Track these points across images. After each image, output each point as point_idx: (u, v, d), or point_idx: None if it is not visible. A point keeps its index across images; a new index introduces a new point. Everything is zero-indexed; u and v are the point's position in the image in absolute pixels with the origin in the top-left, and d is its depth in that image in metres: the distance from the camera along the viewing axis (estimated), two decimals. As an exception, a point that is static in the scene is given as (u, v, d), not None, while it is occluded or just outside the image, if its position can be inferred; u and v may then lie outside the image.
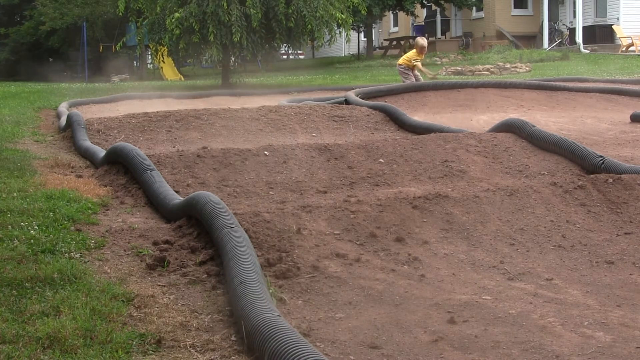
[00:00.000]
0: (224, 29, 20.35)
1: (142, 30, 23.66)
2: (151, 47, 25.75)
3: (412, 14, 38.19)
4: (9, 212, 5.60)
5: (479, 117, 12.69)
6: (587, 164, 7.29)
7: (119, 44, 25.32)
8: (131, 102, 17.30)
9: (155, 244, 5.12)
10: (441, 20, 41.19)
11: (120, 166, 7.42)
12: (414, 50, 16.15)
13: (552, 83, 16.21)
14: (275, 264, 4.74)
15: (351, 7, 22.59)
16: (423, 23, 41.89)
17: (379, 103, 12.56)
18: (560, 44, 33.20)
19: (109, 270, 4.59)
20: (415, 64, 15.90)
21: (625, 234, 5.64)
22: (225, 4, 19.86)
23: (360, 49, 42.48)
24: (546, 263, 5.10)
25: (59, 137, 10.80)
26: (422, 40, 16.53)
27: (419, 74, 16.13)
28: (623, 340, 3.82)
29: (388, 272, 4.87)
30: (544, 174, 7.30)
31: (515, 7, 36.58)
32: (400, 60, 16.54)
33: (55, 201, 6.04)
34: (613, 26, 31.42)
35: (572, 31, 32.80)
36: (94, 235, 5.27)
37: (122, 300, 4.05)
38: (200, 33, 20.50)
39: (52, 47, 39.98)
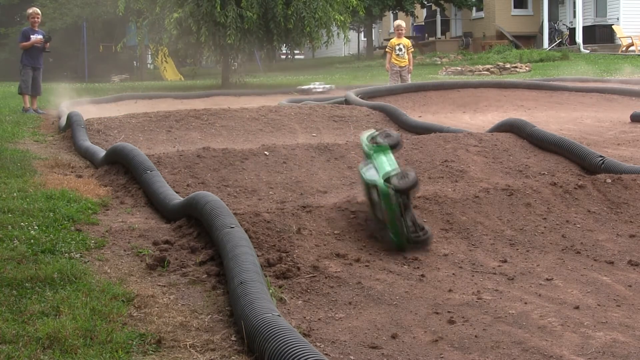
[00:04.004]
0: (221, 29, 20.38)
1: (142, 30, 23.67)
2: (151, 47, 25.77)
3: (412, 14, 38.21)
4: (9, 212, 5.60)
5: (479, 117, 12.69)
6: (587, 164, 7.29)
7: (119, 44, 25.35)
8: (131, 102, 17.30)
9: (155, 244, 5.12)
10: (441, 20, 41.19)
11: (120, 166, 7.42)
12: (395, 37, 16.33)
13: (552, 83, 16.23)
14: (275, 264, 4.74)
15: (350, 8, 22.62)
16: (423, 23, 41.89)
17: (379, 103, 12.56)
18: (560, 44, 33.20)
19: (109, 270, 4.59)
20: (395, 48, 15.90)
21: (626, 234, 5.64)
22: (218, 6, 19.87)
23: (360, 49, 42.51)
24: (546, 263, 5.10)
25: (59, 137, 10.80)
26: (396, 21, 16.77)
27: (409, 76, 16.13)
28: (623, 340, 3.82)
29: (388, 272, 4.88)
30: (544, 174, 7.30)
31: (515, 7, 36.58)
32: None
33: (55, 201, 6.04)
34: (613, 26, 31.42)
35: (572, 31, 32.80)
36: (94, 235, 5.27)
37: (122, 300, 4.05)
38: (197, 34, 20.54)
39: (52, 47, 39.90)
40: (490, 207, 5.97)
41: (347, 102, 13.15)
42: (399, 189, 5.00)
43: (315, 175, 7.23)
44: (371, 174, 5.26)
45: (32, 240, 4.93)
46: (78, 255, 4.77)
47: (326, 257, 4.99)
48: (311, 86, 19.45)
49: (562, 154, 7.73)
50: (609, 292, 4.58)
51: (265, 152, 7.64)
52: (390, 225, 5.09)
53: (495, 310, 4.25)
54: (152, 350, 3.52)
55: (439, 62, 31.02)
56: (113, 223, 5.68)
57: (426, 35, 41.01)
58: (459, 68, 26.80)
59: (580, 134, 10.00)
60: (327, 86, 19.62)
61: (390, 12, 40.19)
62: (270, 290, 4.14)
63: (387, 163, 5.28)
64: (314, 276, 4.67)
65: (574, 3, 32.71)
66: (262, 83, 24.26)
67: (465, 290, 4.58)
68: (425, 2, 38.58)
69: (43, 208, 5.78)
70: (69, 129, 10.54)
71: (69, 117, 10.73)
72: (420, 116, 12.50)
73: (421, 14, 41.87)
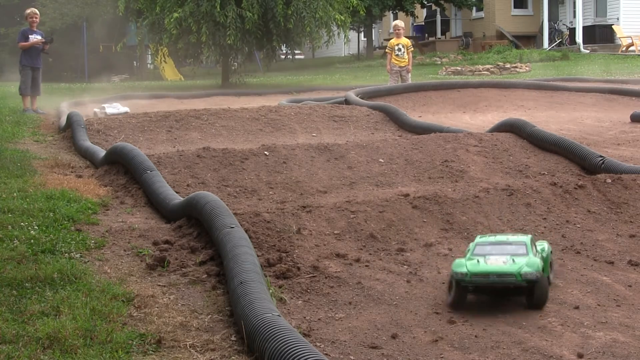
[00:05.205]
0: (221, 29, 20.37)
1: (142, 30, 23.67)
2: (151, 47, 25.78)
3: (412, 14, 38.21)
4: (9, 212, 5.60)
5: (479, 117, 12.69)
6: (587, 164, 7.29)
7: (119, 44, 25.35)
8: (131, 102, 17.28)
9: (155, 244, 5.12)
10: (441, 20, 41.17)
11: (120, 166, 7.42)
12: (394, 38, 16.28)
13: (552, 83, 16.21)
14: (275, 264, 4.74)
15: (350, 8, 22.60)
16: (423, 23, 41.89)
17: (379, 103, 12.55)
18: (560, 44, 33.18)
19: (109, 270, 4.59)
20: (394, 48, 15.86)
21: (626, 234, 5.64)
22: (218, 6, 19.86)
23: (360, 49, 42.48)
24: (546, 263, 5.10)
25: (59, 137, 10.79)
26: (394, 21, 16.66)
27: (409, 75, 16.10)
28: (623, 340, 3.82)
29: (388, 272, 4.88)
30: (544, 174, 7.30)
31: (515, 7, 36.55)
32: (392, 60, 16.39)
33: (55, 201, 6.04)
34: (613, 26, 31.40)
35: (572, 31, 32.77)
36: (94, 235, 5.27)
37: (122, 300, 4.05)
38: (197, 33, 20.53)
39: (51, 47, 39.86)
40: (490, 207, 5.97)
41: (347, 102, 13.14)
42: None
43: (315, 175, 7.23)
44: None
45: (32, 240, 4.93)
46: (78, 255, 4.77)
47: (326, 257, 4.99)
48: (107, 111, 14.86)
49: (562, 154, 7.73)
50: (609, 292, 4.58)
51: (265, 152, 7.64)
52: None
53: (495, 310, 4.25)
54: (152, 350, 3.52)
55: (439, 62, 30.99)
56: (113, 223, 5.68)
57: (426, 35, 40.98)
58: (459, 68, 26.78)
59: (581, 134, 9.99)
60: (123, 110, 15.54)
61: (390, 12, 40.15)
62: (270, 290, 4.14)
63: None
64: (314, 276, 4.68)
65: (574, 3, 32.69)
66: (262, 83, 24.25)
67: (465, 290, 4.57)
68: (425, 2, 38.56)
69: (43, 208, 5.78)
70: (69, 129, 10.53)
71: (69, 117, 10.71)
72: (420, 116, 12.49)
73: (421, 14, 41.85)
